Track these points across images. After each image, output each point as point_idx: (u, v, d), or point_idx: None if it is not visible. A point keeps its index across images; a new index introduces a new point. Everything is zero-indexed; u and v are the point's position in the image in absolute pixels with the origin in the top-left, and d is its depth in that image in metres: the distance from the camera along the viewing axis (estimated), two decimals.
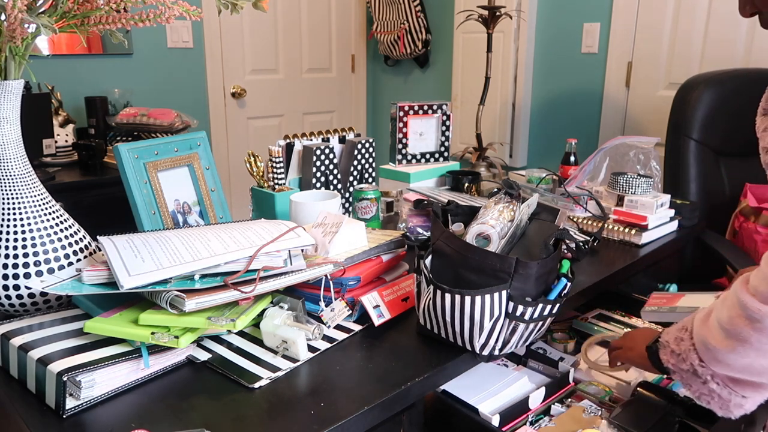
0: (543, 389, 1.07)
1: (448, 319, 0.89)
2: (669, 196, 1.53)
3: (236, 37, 3.20)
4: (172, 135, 1.98)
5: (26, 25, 0.86)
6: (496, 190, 1.47)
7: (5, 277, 0.92)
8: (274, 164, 1.41)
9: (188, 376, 0.85)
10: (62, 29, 0.92)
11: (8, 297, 0.93)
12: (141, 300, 0.91)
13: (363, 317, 1.01)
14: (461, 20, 2.64)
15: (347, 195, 1.58)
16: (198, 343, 0.93)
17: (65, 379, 0.74)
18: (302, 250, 1.02)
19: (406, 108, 1.80)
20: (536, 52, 2.99)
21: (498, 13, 2.36)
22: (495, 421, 0.98)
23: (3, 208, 0.94)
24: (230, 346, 0.93)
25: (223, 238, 0.95)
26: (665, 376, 0.94)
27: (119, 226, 1.14)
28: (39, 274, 0.93)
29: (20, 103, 0.93)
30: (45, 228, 0.95)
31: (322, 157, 1.50)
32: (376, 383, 0.83)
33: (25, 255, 0.93)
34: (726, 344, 0.75)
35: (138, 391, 0.81)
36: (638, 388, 1.08)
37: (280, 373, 0.85)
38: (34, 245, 0.93)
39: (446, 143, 1.88)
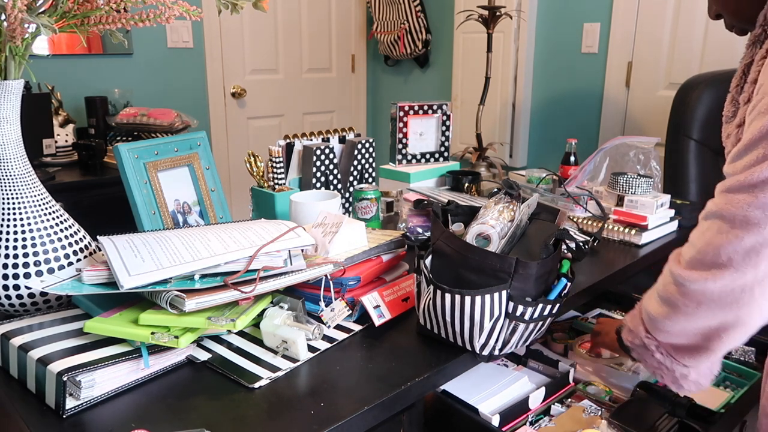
0: (543, 389, 1.07)
1: (448, 319, 0.89)
2: (669, 196, 1.53)
3: (236, 37, 3.20)
4: (172, 135, 1.98)
5: (26, 25, 0.86)
6: (496, 190, 1.47)
7: (5, 277, 0.92)
8: (274, 164, 1.41)
9: (188, 376, 0.85)
10: (62, 29, 0.92)
11: (8, 297, 0.93)
12: (141, 300, 0.91)
13: (363, 317, 1.01)
14: (461, 20, 2.64)
15: (347, 195, 1.58)
16: (198, 343, 0.93)
17: (65, 379, 0.74)
18: (302, 250, 1.02)
19: (406, 108, 1.80)
20: (536, 52, 2.99)
21: (498, 13, 2.36)
22: (495, 421, 0.98)
23: (3, 208, 0.94)
24: (230, 346, 0.93)
25: (223, 238, 0.95)
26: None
27: (119, 226, 1.14)
28: (39, 274, 0.93)
29: (20, 103, 0.93)
30: (45, 228, 0.95)
31: (322, 157, 1.50)
32: (376, 383, 0.83)
33: (25, 255, 0.93)
34: (661, 311, 0.81)
35: (138, 391, 0.81)
36: (638, 388, 1.08)
37: (280, 373, 0.85)
38: (34, 245, 0.93)
39: (446, 143, 1.88)
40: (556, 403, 1.08)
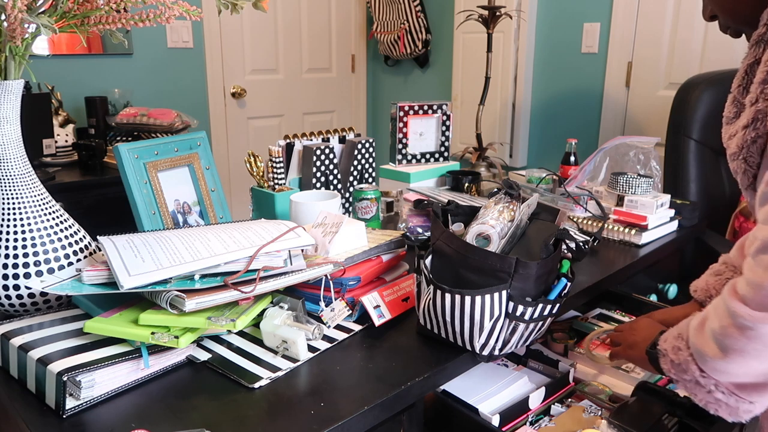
0: (543, 389, 1.07)
1: (448, 319, 0.89)
2: (669, 196, 1.53)
3: (236, 37, 3.20)
4: (172, 135, 1.98)
5: (26, 25, 0.86)
6: (496, 190, 1.47)
7: (5, 277, 0.92)
8: (274, 164, 1.41)
9: (188, 376, 0.85)
10: (62, 29, 0.92)
11: (8, 297, 0.93)
12: (141, 300, 0.91)
13: (363, 317, 1.01)
14: (461, 20, 2.64)
15: (347, 195, 1.58)
16: (198, 343, 0.93)
17: (65, 379, 0.74)
18: (302, 250, 1.02)
19: (406, 108, 1.80)
20: (536, 52, 2.99)
21: (498, 13, 2.36)
22: (495, 421, 0.98)
23: (3, 208, 0.94)
24: (230, 346, 0.93)
25: (223, 238, 0.95)
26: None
27: (119, 226, 1.14)
28: (39, 274, 0.93)
29: (20, 103, 0.93)
30: (45, 228, 0.95)
31: (322, 157, 1.50)
32: (376, 383, 0.83)
33: (25, 255, 0.93)
34: (722, 355, 0.74)
35: (138, 391, 0.81)
36: (638, 389, 1.08)
37: (280, 373, 0.85)
38: (34, 245, 0.93)
39: (446, 143, 1.88)
40: (556, 403, 1.08)
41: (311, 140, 1.56)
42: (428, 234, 1.35)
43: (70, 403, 0.76)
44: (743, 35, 0.86)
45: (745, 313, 0.69)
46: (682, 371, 0.82)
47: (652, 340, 0.89)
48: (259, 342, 0.93)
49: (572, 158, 1.79)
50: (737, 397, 0.78)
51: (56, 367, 0.75)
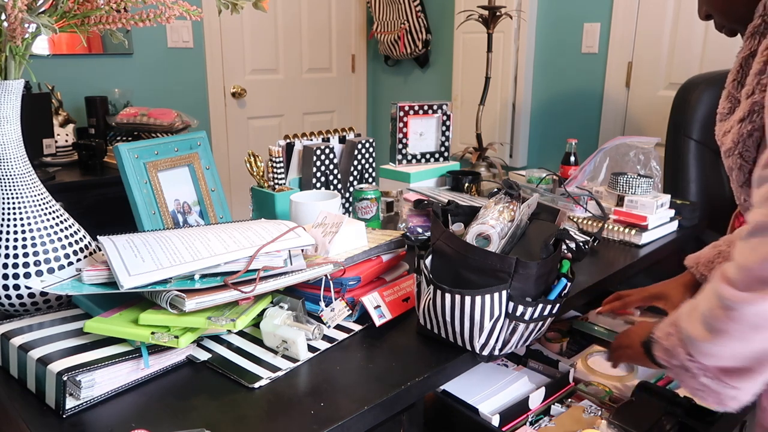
0: (543, 389, 1.07)
1: (448, 319, 0.89)
2: (669, 196, 1.53)
3: (236, 37, 3.20)
4: (172, 135, 1.98)
5: (26, 25, 0.86)
6: (496, 190, 1.47)
7: (5, 277, 0.92)
8: (274, 164, 1.41)
9: (188, 376, 0.85)
10: (62, 29, 0.92)
11: (8, 297, 0.93)
12: (141, 300, 0.91)
13: (363, 317, 1.01)
14: (461, 20, 2.64)
15: (347, 195, 1.58)
16: (198, 343, 0.93)
17: (65, 378, 0.74)
18: (302, 250, 1.02)
19: (406, 108, 1.80)
20: (536, 52, 2.99)
21: (498, 13, 2.36)
22: (495, 421, 0.98)
23: (3, 208, 0.94)
24: (230, 346, 0.93)
25: (223, 238, 0.95)
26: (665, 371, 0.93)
27: (119, 226, 1.14)
28: (39, 274, 0.93)
29: (20, 103, 0.93)
30: (45, 228, 0.95)
31: (322, 157, 1.50)
32: (376, 383, 0.83)
33: (25, 255, 0.93)
34: (708, 336, 0.75)
35: (138, 391, 0.81)
36: (638, 388, 1.08)
37: (280, 373, 0.85)
38: (34, 245, 0.93)
39: (446, 143, 1.88)
40: (556, 403, 1.08)
41: (311, 140, 1.56)
42: (428, 234, 1.35)
43: (70, 403, 0.76)
44: (739, 34, 0.86)
45: (731, 294, 0.70)
46: (672, 356, 0.82)
47: (648, 333, 0.89)
48: (259, 342, 0.93)
49: (572, 158, 1.79)
50: (722, 382, 0.78)
51: (56, 366, 0.75)
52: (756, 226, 0.67)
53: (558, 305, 0.92)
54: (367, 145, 1.59)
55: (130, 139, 2.49)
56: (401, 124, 1.80)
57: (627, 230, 1.44)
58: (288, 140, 1.51)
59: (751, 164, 0.78)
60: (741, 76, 0.80)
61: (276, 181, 1.41)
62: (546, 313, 0.90)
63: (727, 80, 0.84)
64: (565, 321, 1.38)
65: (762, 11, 0.76)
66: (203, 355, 0.89)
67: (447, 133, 1.87)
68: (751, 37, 0.78)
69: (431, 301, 0.90)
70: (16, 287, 0.93)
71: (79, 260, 0.98)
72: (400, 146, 1.81)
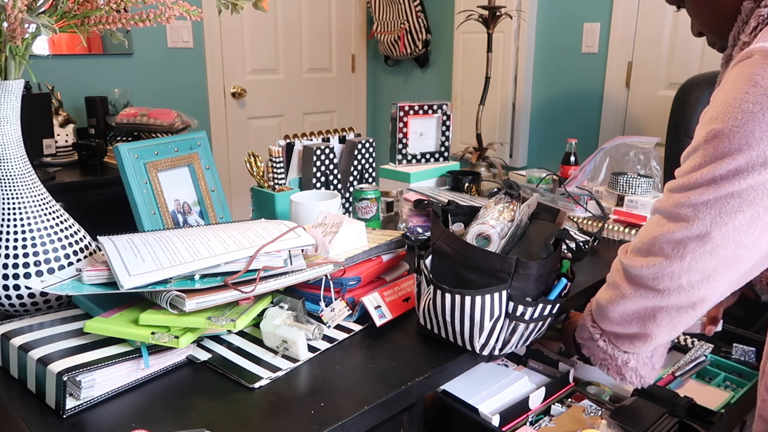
0: (543, 389, 1.07)
1: (448, 319, 0.89)
2: None
3: (236, 37, 3.20)
4: (172, 135, 1.98)
5: (26, 25, 0.86)
6: (496, 190, 1.47)
7: (5, 277, 0.92)
8: (274, 164, 1.41)
9: (188, 376, 0.85)
10: (62, 29, 0.92)
11: (8, 297, 0.93)
12: (141, 300, 0.91)
13: (363, 317, 1.01)
14: (461, 20, 2.64)
15: (347, 195, 1.58)
16: (198, 343, 0.93)
17: (65, 379, 0.74)
18: (302, 250, 1.02)
19: (406, 108, 1.80)
20: (536, 52, 3.00)
21: (498, 13, 2.36)
22: (495, 421, 0.98)
23: (3, 208, 0.94)
24: (230, 346, 0.93)
25: (224, 238, 0.95)
26: (581, 360, 1.01)
27: (119, 226, 1.14)
28: (39, 274, 0.93)
29: (20, 103, 0.93)
30: (45, 228, 0.95)
31: (322, 157, 1.50)
32: (376, 383, 0.83)
33: (25, 255, 0.93)
34: (606, 296, 0.88)
35: (138, 391, 0.81)
36: (638, 389, 1.08)
37: (280, 373, 0.85)
38: (34, 245, 0.93)
39: (446, 143, 1.88)
40: (556, 403, 1.08)
41: (311, 140, 1.56)
42: (428, 234, 1.34)
43: (70, 403, 0.76)
44: None
45: (623, 258, 0.85)
46: (584, 329, 0.95)
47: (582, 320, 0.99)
48: (259, 342, 0.93)
49: (572, 158, 1.79)
50: (614, 346, 0.91)
51: (56, 367, 0.75)
52: (654, 208, 0.83)
53: (558, 305, 0.92)
54: (367, 145, 1.59)
55: (130, 139, 2.49)
56: (401, 124, 1.80)
57: (627, 230, 1.44)
58: (288, 140, 1.52)
59: None
60: None
61: (276, 181, 1.41)
62: (546, 313, 0.90)
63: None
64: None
65: (731, 41, 0.83)
66: (203, 355, 0.89)
67: (447, 133, 1.88)
68: (725, 64, 0.87)
69: (431, 301, 0.90)
70: (16, 287, 0.93)
71: (79, 260, 0.97)
72: (400, 146, 1.81)
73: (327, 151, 1.51)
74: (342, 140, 1.61)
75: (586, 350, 0.96)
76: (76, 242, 0.99)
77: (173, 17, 0.93)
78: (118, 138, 2.54)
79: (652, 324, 0.84)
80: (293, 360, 0.89)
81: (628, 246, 0.87)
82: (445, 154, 1.89)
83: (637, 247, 0.83)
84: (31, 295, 0.94)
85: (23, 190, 0.95)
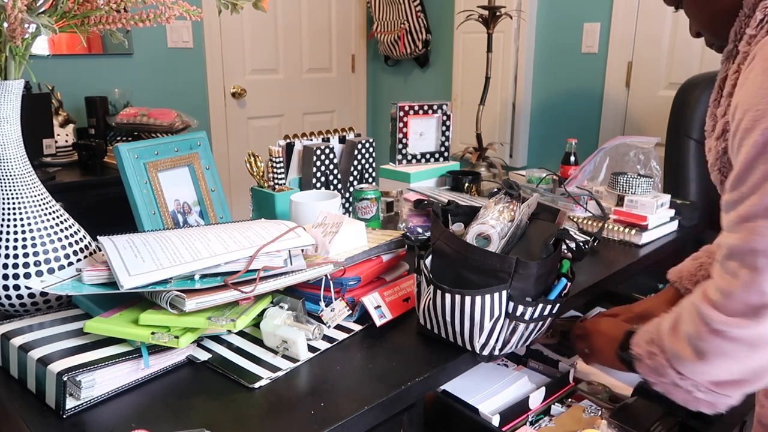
0: (543, 389, 1.07)
1: (448, 319, 0.89)
2: (669, 196, 1.53)
3: (236, 37, 3.20)
4: (172, 135, 1.98)
5: (26, 25, 0.86)
6: (496, 190, 1.47)
7: (5, 277, 0.92)
8: (274, 164, 1.41)
9: (188, 376, 0.85)
10: (62, 29, 0.92)
11: (8, 297, 0.93)
12: (141, 300, 0.91)
13: (363, 317, 1.01)
14: (461, 20, 2.64)
15: (347, 195, 1.58)
16: (198, 343, 0.93)
17: (65, 379, 0.74)
18: (302, 250, 1.02)
19: (406, 108, 1.80)
20: (536, 52, 2.99)
21: (498, 13, 2.36)
22: (495, 421, 0.98)
23: (3, 208, 0.94)
24: (230, 346, 0.93)
25: (224, 238, 0.95)
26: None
27: (119, 226, 1.14)
28: (39, 274, 0.93)
29: (20, 103, 0.93)
30: (45, 228, 0.95)
31: (322, 157, 1.50)
32: (376, 383, 0.83)
33: (25, 255, 0.93)
34: (700, 358, 0.75)
35: (138, 391, 0.81)
36: (638, 389, 1.08)
37: (280, 373, 0.85)
38: (34, 245, 0.93)
39: (446, 143, 1.88)
40: (556, 403, 1.08)
41: (311, 140, 1.56)
42: (428, 234, 1.34)
43: (70, 403, 0.76)
44: None
45: (718, 318, 0.70)
46: (660, 375, 0.82)
47: (620, 341, 0.88)
48: (259, 342, 0.93)
49: (572, 158, 1.79)
50: (715, 393, 0.78)
51: (56, 367, 0.75)
52: (731, 251, 0.69)
53: (558, 305, 0.92)
54: (367, 145, 1.59)
55: (130, 139, 2.49)
56: (401, 124, 1.80)
57: (627, 230, 1.44)
58: (288, 140, 1.52)
59: None
60: (719, 97, 0.84)
61: (276, 181, 1.41)
62: (546, 313, 0.90)
63: (710, 98, 0.87)
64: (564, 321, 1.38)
65: (733, 37, 0.80)
66: (203, 355, 0.89)
67: (447, 133, 1.87)
68: (726, 60, 0.82)
69: (431, 301, 0.90)
70: (16, 287, 0.93)
71: (79, 260, 0.98)
72: (400, 146, 1.81)
73: (327, 151, 1.51)
74: (342, 140, 1.61)
75: (661, 389, 0.83)
76: (76, 242, 0.99)
77: (173, 17, 0.93)
78: (118, 138, 2.54)
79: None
80: (293, 360, 0.89)
81: (707, 297, 0.73)
82: (445, 154, 1.89)
83: (741, 304, 0.69)
84: (31, 295, 0.94)
85: (23, 190, 0.95)
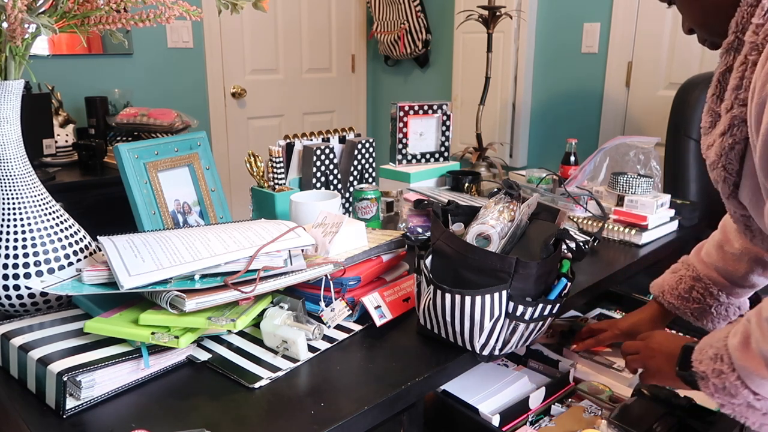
0: (543, 389, 1.07)
1: (448, 319, 0.89)
2: (669, 196, 1.53)
3: (236, 37, 3.20)
4: (172, 135, 1.98)
5: (26, 25, 0.86)
6: (496, 190, 1.47)
7: (5, 277, 0.92)
8: (274, 164, 1.41)
9: (188, 376, 0.85)
10: (62, 29, 0.92)
11: (8, 297, 0.93)
12: (141, 300, 0.91)
13: (363, 317, 1.01)
14: (461, 20, 2.64)
15: (347, 195, 1.58)
16: (198, 343, 0.93)
17: (65, 379, 0.74)
18: (302, 250, 1.02)
19: (406, 108, 1.80)
20: (536, 52, 2.99)
21: (498, 13, 2.36)
22: (495, 421, 0.98)
23: (3, 208, 0.94)
24: (230, 346, 0.93)
25: (224, 238, 0.95)
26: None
27: (119, 226, 1.14)
28: (39, 274, 0.93)
29: (20, 103, 0.93)
30: (45, 228, 0.95)
31: (322, 157, 1.50)
32: (376, 383, 0.83)
33: (25, 255, 0.93)
34: None
35: (138, 391, 0.81)
36: (638, 389, 1.08)
37: (280, 373, 0.85)
38: (34, 245, 0.93)
39: (446, 143, 1.88)
40: (556, 403, 1.08)
41: (311, 140, 1.56)
42: (428, 234, 1.34)
43: (70, 403, 0.76)
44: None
45: None
46: (731, 395, 0.77)
47: (678, 358, 0.85)
48: (259, 342, 0.93)
49: (572, 158, 1.79)
50: None
51: (56, 367, 0.75)
52: None
53: (558, 305, 0.92)
54: (367, 145, 1.59)
55: (130, 139, 2.49)
56: (401, 124, 1.80)
57: (627, 230, 1.44)
58: (288, 140, 1.52)
59: (735, 176, 0.79)
60: (719, 91, 0.82)
61: (276, 181, 1.41)
62: (546, 313, 0.90)
63: (707, 95, 0.85)
64: (564, 321, 1.38)
65: (735, 28, 0.77)
66: (203, 355, 0.89)
67: (447, 133, 1.88)
68: (726, 53, 0.80)
69: (431, 301, 0.90)
70: (16, 287, 0.93)
71: (79, 260, 0.98)
72: (400, 146, 1.81)
73: (327, 151, 1.51)
74: (342, 140, 1.61)
75: (729, 409, 0.80)
76: (76, 242, 0.99)
77: (173, 17, 0.93)
78: (118, 138, 2.54)
79: None
80: (293, 360, 0.89)
81: None
82: (445, 154, 1.89)
83: None
84: (31, 295, 0.94)
85: (23, 190, 0.95)
